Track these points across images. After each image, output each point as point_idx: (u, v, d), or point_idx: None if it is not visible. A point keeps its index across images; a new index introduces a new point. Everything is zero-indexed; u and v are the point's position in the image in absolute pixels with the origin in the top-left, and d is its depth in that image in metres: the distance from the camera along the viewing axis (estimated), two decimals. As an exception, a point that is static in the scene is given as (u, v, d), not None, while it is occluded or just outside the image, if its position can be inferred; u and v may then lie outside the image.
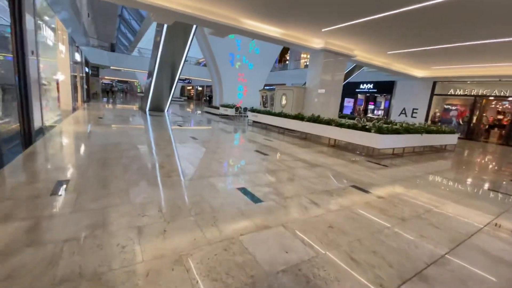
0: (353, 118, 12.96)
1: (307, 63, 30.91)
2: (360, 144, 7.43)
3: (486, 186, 5.25)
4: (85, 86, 20.76)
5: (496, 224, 3.34)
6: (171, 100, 16.76)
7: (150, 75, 15.09)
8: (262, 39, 9.93)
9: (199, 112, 20.18)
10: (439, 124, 16.04)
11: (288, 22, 8.57)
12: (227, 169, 4.92)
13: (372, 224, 3.06)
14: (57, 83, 13.18)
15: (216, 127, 11.59)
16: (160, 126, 10.08)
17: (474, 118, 15.57)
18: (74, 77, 14.38)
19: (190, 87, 53.37)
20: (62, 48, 12.60)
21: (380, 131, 6.92)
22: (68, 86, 12.76)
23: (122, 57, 28.43)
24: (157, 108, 16.12)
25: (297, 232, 2.70)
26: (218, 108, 16.85)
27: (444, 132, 9.19)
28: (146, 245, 2.23)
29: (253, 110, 12.68)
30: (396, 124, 7.88)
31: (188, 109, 22.59)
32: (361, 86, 21.21)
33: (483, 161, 8.64)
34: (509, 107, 15.45)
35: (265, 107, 15.20)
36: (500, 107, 15.93)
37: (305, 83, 12.42)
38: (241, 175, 4.51)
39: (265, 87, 19.09)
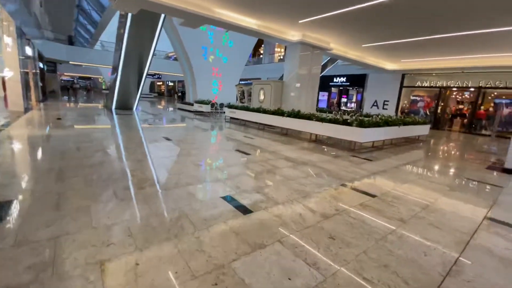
0: (331, 112, 12.99)
1: (281, 57, 30.84)
2: (342, 138, 7.31)
3: (468, 175, 5.33)
4: (40, 84, 18.63)
5: (491, 219, 3.27)
6: (140, 97, 15.60)
7: (115, 70, 13.82)
8: (237, 30, 9.38)
9: (171, 109, 19.11)
10: (408, 115, 16.79)
11: (264, 13, 8.12)
12: (208, 173, 4.42)
13: (373, 229, 2.80)
14: (3, 81, 11.54)
15: (191, 125, 10.89)
16: (129, 126, 9.19)
17: (439, 108, 16.48)
18: (25, 74, 12.69)
19: (161, 83, 50.92)
20: (8, 40, 10.99)
21: (361, 124, 6.82)
22: (17, 83, 11.19)
23: (82, 51, 26.05)
24: (124, 106, 14.89)
25: (297, 249, 2.33)
26: (192, 104, 16.01)
27: (418, 123, 9.44)
28: (112, 288, 1.72)
29: (230, 106, 12.15)
30: (372, 117, 7.86)
31: (159, 106, 21.33)
32: (335, 80, 21.50)
33: (457, 150, 9.01)
34: (468, 97, 16.55)
35: (242, 102, 14.72)
36: (461, 97, 17.02)
37: (281, 77, 12.14)
38: (224, 180, 4.05)
39: (241, 82, 18.52)
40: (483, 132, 14.85)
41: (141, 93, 14.79)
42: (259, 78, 24.43)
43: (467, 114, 16.68)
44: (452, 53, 12.17)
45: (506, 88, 13.73)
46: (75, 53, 24.35)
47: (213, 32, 16.81)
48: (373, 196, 3.81)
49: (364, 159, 6.21)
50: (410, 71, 16.43)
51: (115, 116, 11.73)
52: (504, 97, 14.51)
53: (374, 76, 18.92)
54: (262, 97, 11.94)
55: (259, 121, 10.38)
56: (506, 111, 14.31)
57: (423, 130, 9.94)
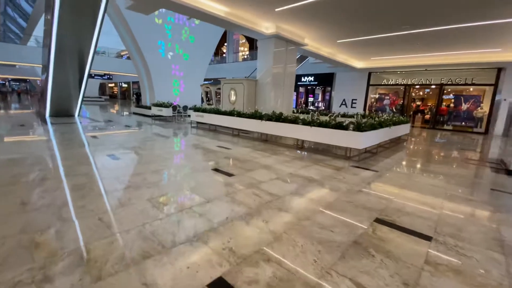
0: (305, 113, 11.99)
1: (246, 56, 29.51)
2: (336, 144, 6.15)
3: (493, 184, 4.53)
4: None
5: None
6: (84, 101, 12.84)
7: (45, 69, 10.97)
8: (201, 17, 7.71)
9: (126, 113, 16.42)
10: (375, 112, 16.77)
11: (236, -5, 6.63)
12: (178, 226, 2.75)
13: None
14: None
15: (149, 133, 8.86)
16: (61, 140, 6.89)
17: (406, 105, 16.75)
18: None
19: (113, 84, 45.88)
20: None
21: (359, 128, 5.73)
22: None
23: (12, 48, 21.52)
24: (62, 112, 12.04)
25: None
26: (149, 108, 13.72)
27: (403, 122, 8.83)
28: None
29: (197, 109, 10.33)
30: (368, 118, 6.89)
31: (111, 111, 18.33)
32: (303, 79, 20.85)
33: (449, 150, 8.56)
34: (430, 93, 17.10)
35: (209, 104, 12.95)
36: (424, 94, 17.56)
37: (249, 76, 10.76)
38: (206, 237, 2.46)
39: (205, 81, 16.67)
40: (445, 127, 15.38)
41: (83, 96, 12.09)
42: (224, 78, 22.74)
43: (425, 110, 17.32)
44: (417, 51, 12.10)
45: (465, 84, 14.27)
46: (4, 51, 19.95)
47: (170, 25, 14.70)
48: (428, 238, 2.59)
49: (369, 169, 5.11)
50: (377, 69, 16.37)
51: (49, 126, 9.10)
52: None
53: (342, 75, 18.63)
54: (233, 97, 10.39)
55: (233, 126, 8.82)
56: (464, 106, 14.93)
57: (406, 129, 9.41)
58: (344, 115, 11.39)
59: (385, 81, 17.07)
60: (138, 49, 14.06)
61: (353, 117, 10.27)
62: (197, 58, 16.30)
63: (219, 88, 11.59)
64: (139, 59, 14.80)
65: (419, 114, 17.47)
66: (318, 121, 6.46)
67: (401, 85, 16.47)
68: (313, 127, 6.42)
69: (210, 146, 6.84)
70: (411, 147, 8.50)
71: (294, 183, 4.08)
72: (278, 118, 7.28)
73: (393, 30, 9.04)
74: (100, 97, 32.78)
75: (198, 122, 10.56)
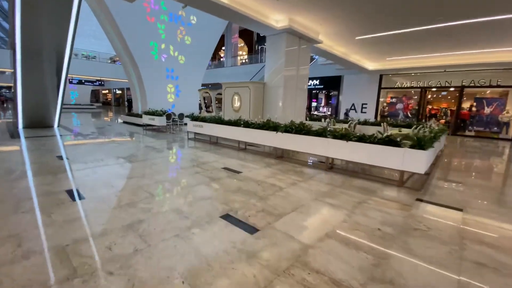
0: (318, 119, 10.42)
1: (244, 61, 28.03)
2: (385, 166, 4.53)
3: None
4: None
5: None
6: (74, 109, 11.13)
7: (13, 74, 9.24)
8: (199, 4, 6.13)
9: (115, 122, 14.68)
10: (387, 118, 15.32)
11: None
12: None
13: None
14: None
15: (135, 149, 7.15)
16: (35, 158, 5.18)
17: (421, 109, 15.30)
18: None
19: (106, 91, 44.10)
20: None
21: (420, 145, 4.13)
22: None
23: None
24: (38, 123, 10.29)
25: None
26: (140, 116, 12.01)
27: (442, 132, 7.29)
28: None
29: (194, 118, 8.65)
30: (418, 128, 5.29)
31: (100, 120, 16.57)
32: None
33: (497, 158, 7.01)
34: (448, 97, 15.70)
35: (208, 111, 11.32)
36: (441, 98, 16.15)
37: (251, 79, 9.17)
38: None
39: (203, 86, 15.03)
40: (467, 133, 13.95)
41: (62, 105, 10.37)
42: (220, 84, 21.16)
43: (437, 114, 15.92)
44: (438, 49, 10.71)
45: (490, 86, 12.88)
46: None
47: (164, 24, 13.12)
48: None
49: (446, 206, 3.50)
50: (390, 71, 14.94)
51: (23, 141, 7.35)
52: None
53: (350, 78, 17.18)
54: (237, 104, 8.77)
55: (239, 139, 7.16)
56: (487, 110, 13.52)
57: (444, 138, 7.87)
58: (365, 123, 9.86)
59: (398, 84, 15.64)
60: (127, 50, 12.42)
61: (381, 125, 8.74)
62: (194, 61, 14.70)
63: (220, 94, 9.97)
64: (129, 62, 13.15)
65: (434, 118, 16.05)
66: (355, 134, 4.85)
67: (416, 88, 15.06)
68: (350, 143, 4.81)
69: (213, 167, 5.17)
70: (462, 162, 6.93)
71: (363, 248, 2.43)
72: (299, 129, 5.65)
73: (423, 23, 7.63)
74: (92, 105, 30.93)
75: (195, 133, 8.90)
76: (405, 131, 7.73)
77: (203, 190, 3.84)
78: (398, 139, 4.32)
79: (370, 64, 14.28)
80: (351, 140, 4.82)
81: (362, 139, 4.69)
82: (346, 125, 8.96)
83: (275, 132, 6.09)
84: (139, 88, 13.68)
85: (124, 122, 14.25)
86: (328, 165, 5.32)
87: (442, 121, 15.66)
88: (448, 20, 7.13)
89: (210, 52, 15.42)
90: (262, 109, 8.73)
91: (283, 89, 8.08)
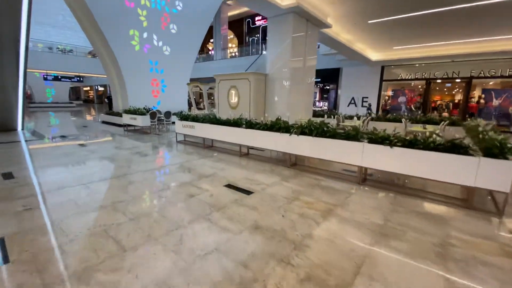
0: (321, 116, 9.20)
1: (234, 54, 26.38)
2: (449, 181, 3.33)
3: None
4: None
5: None
6: (50, 107, 9.39)
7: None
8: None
9: (93, 122, 12.93)
10: (389, 112, 14.41)
11: None
12: None
13: None
14: None
15: (112, 160, 5.66)
16: None
17: (427, 102, 14.41)
18: None
19: (88, 88, 41.36)
20: None
21: (503, 151, 2.96)
22: None
23: None
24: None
25: None
26: (121, 115, 10.40)
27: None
28: None
29: (184, 117, 7.18)
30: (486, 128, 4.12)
31: (77, 119, 14.73)
32: (304, 75, 18.09)
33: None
34: (456, 89, 14.88)
35: (199, 108, 9.85)
36: (448, 90, 15.32)
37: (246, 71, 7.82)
38: None
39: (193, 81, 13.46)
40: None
41: (24, 104, 8.64)
42: (210, 78, 19.59)
43: (439, 107, 15.14)
44: (451, 36, 9.73)
45: (501, 77, 12.07)
46: None
47: (145, 10, 11.44)
48: None
49: None
50: (393, 62, 13.90)
51: None
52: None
53: (349, 71, 16.06)
54: (234, 99, 7.40)
55: (240, 143, 5.81)
56: (496, 102, 12.76)
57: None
58: (378, 118, 8.73)
59: (401, 76, 14.66)
60: (103, 40, 10.71)
61: (401, 122, 7.62)
62: (181, 52, 13.09)
63: (213, 88, 8.56)
64: (106, 54, 11.43)
65: (435, 112, 15.25)
66: (399, 138, 3.63)
67: (421, 79, 14.12)
68: (396, 149, 3.59)
69: (213, 185, 3.84)
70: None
71: None
72: (320, 131, 4.37)
73: (444, 3, 6.53)
74: (71, 103, 28.53)
75: (186, 135, 7.47)
76: (429, 128, 6.65)
77: (202, 235, 2.49)
78: (467, 144, 3.13)
79: (374, 55, 13.17)
80: (396, 145, 3.60)
81: (414, 144, 3.48)
82: (357, 122, 7.79)
83: (287, 134, 4.80)
84: (119, 84, 12.00)
85: (104, 122, 12.56)
86: (361, 176, 4.10)
87: (445, 114, 14.87)
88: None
89: (198, 43, 13.83)
90: (264, 104, 7.41)
91: (289, 82, 6.78)
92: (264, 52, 19.73)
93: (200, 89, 9.19)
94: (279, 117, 5.23)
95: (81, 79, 25.54)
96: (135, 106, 10.25)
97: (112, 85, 12.58)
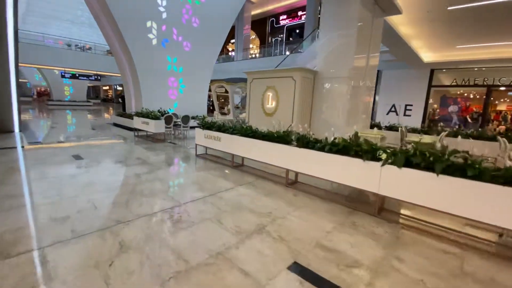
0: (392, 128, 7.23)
1: (254, 55, 24.73)
2: None
3: None
4: None
5: None
6: (67, 105, 8.05)
7: None
8: None
9: (103, 125, 11.60)
10: (437, 123, 12.23)
11: None
12: None
13: None
14: None
15: (112, 181, 4.03)
16: None
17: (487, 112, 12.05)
18: None
19: (107, 87, 41.27)
20: None
21: None
22: None
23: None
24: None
25: None
26: (132, 117, 8.90)
27: None
28: None
29: (208, 125, 5.40)
30: None
31: (89, 120, 13.54)
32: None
33: None
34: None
35: (223, 113, 8.18)
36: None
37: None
38: None
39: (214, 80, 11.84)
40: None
41: (19, 102, 7.32)
42: (230, 79, 17.97)
43: (505, 120, 12.71)
44: None
45: None
46: None
47: (165, 0, 10.01)
48: None
49: None
50: (447, 64, 11.70)
51: None
52: None
53: (390, 74, 13.93)
54: (271, 104, 5.64)
55: (291, 168, 3.97)
56: None
57: None
58: (455, 134, 6.68)
59: (455, 81, 12.40)
60: (117, 31, 9.34)
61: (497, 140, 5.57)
62: (203, 49, 11.55)
63: (241, 87, 6.85)
64: (120, 49, 10.07)
65: (490, 124, 12.81)
66: None
67: (481, 86, 11.82)
68: None
69: (263, 267, 2.07)
70: None
71: None
72: (448, 165, 2.48)
73: None
74: (88, 101, 28.00)
75: (207, 148, 5.77)
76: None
77: None
78: None
79: (427, 55, 11.06)
80: None
81: None
82: (428, 138, 5.82)
83: (376, 162, 2.95)
84: (133, 81, 10.59)
85: (115, 125, 11.19)
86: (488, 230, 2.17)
87: (502, 127, 12.42)
88: None
89: (222, 39, 12.25)
90: (310, 112, 5.60)
91: (348, 84, 4.95)
92: (287, 53, 17.98)
93: (226, 91, 7.52)
94: (357, 133, 3.37)
95: (99, 78, 24.79)
96: (148, 108, 8.71)
97: (125, 82, 11.22)
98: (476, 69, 11.67)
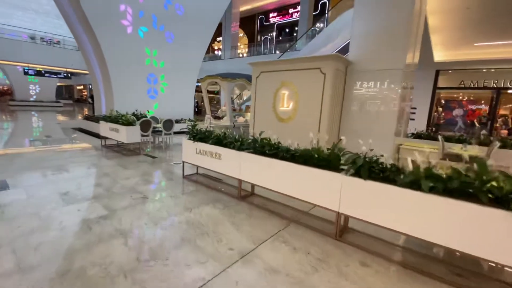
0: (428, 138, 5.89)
1: (242, 55, 23.03)
2: None
3: None
4: None
5: None
6: (31, 106, 5.90)
7: None
8: None
9: (70, 127, 9.48)
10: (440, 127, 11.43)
11: None
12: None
13: None
14: None
15: (38, 243, 2.29)
16: None
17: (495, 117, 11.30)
18: None
19: (81, 86, 37.96)
20: None
21: None
22: None
23: None
24: None
25: None
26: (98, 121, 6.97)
27: None
28: None
29: (201, 137, 3.78)
30: None
31: (50, 124, 11.28)
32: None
33: None
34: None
35: (216, 116, 6.51)
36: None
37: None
38: None
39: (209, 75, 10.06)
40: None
41: None
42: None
43: (505, 125, 12.12)
44: None
45: None
46: None
47: (143, -21, 8.20)
48: None
49: None
50: (454, 65, 10.85)
51: None
52: None
53: (392, 74, 12.95)
54: (287, 105, 4.10)
55: (348, 213, 2.44)
56: None
57: None
58: (505, 143, 5.49)
59: (463, 83, 11.57)
60: (82, 16, 7.41)
61: None
62: (190, 41, 9.82)
63: (248, 85, 5.26)
64: (86, 37, 8.11)
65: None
66: None
67: (490, 88, 11.06)
68: None
69: None
70: None
71: None
72: None
73: None
74: (57, 102, 25.04)
75: (198, 167, 4.10)
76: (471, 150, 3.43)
77: None
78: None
79: (440, 54, 10.10)
80: None
81: None
82: (473, 150, 4.54)
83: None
84: (103, 78, 8.65)
85: (81, 130, 9.13)
86: None
87: (504, 131, 11.79)
88: None
89: (211, 30, 10.58)
90: (340, 117, 4.14)
91: (403, 79, 3.55)
92: (277, 52, 16.55)
93: (221, 88, 5.88)
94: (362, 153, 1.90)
95: (69, 76, 22.06)
96: (119, 110, 6.85)
97: (93, 79, 9.23)
98: (484, 70, 10.91)
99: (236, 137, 3.38)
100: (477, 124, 11.50)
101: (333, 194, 2.39)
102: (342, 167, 2.31)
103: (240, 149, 3.20)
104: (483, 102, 11.56)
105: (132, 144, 5.99)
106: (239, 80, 5.56)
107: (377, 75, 3.72)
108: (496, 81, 10.60)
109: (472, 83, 11.10)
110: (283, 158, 2.78)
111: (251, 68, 4.57)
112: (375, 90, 3.77)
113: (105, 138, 6.40)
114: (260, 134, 3.17)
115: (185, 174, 4.16)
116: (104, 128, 6.17)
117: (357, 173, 2.27)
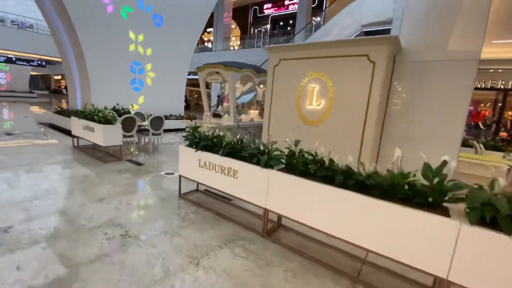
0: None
1: (234, 47, 21.74)
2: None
3: None
4: None
5: None
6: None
7: None
8: None
9: (39, 122, 8.01)
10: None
11: None
12: None
13: None
14: None
15: None
16: None
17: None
18: None
19: (59, 76, 35.18)
20: None
21: None
22: None
23: None
24: None
25: None
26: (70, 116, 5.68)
27: None
28: None
29: (211, 143, 2.73)
30: None
31: (16, 117, 9.68)
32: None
33: None
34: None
35: (217, 114, 5.41)
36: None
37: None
38: None
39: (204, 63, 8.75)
40: None
41: None
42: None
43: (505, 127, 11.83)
44: None
45: None
46: None
47: (127, -51, 6.86)
48: None
49: None
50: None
51: None
52: None
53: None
54: (317, 103, 3.12)
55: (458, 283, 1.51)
56: None
57: None
58: None
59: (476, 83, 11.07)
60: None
61: None
62: (181, 26, 8.56)
63: (260, 76, 4.23)
64: (58, 18, 6.69)
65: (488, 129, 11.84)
66: None
67: (497, 89, 10.63)
68: None
69: None
70: None
71: None
72: None
73: None
74: (31, 92, 22.73)
75: (202, 184, 3.07)
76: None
77: None
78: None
79: (451, 51, 9.44)
80: None
81: None
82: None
83: None
84: (78, 66, 7.27)
85: (51, 126, 7.72)
86: None
87: (504, 134, 11.49)
88: None
89: (205, 15, 9.33)
90: (384, 117, 3.22)
91: (474, 74, 2.66)
92: (296, 38, 15.40)
93: (224, 79, 4.81)
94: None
95: (44, 64, 19.89)
96: (97, 104, 5.58)
97: (66, 67, 7.82)
98: (491, 70, 10.43)
99: (259, 146, 2.36)
100: (481, 126, 11.07)
101: (441, 253, 1.45)
102: (466, 209, 1.37)
103: (268, 165, 2.19)
104: (488, 104, 11.12)
105: (112, 146, 4.80)
106: (245, 70, 4.51)
107: (443, 68, 2.81)
108: (503, 82, 10.11)
109: (478, 84, 10.59)
110: (342, 185, 1.80)
111: (247, 60, 3.55)
112: (438, 87, 2.86)
113: (76, 138, 5.15)
114: (296, 145, 2.17)
115: (181, 193, 3.10)
116: (76, 125, 4.92)
117: (483, 220, 1.34)
